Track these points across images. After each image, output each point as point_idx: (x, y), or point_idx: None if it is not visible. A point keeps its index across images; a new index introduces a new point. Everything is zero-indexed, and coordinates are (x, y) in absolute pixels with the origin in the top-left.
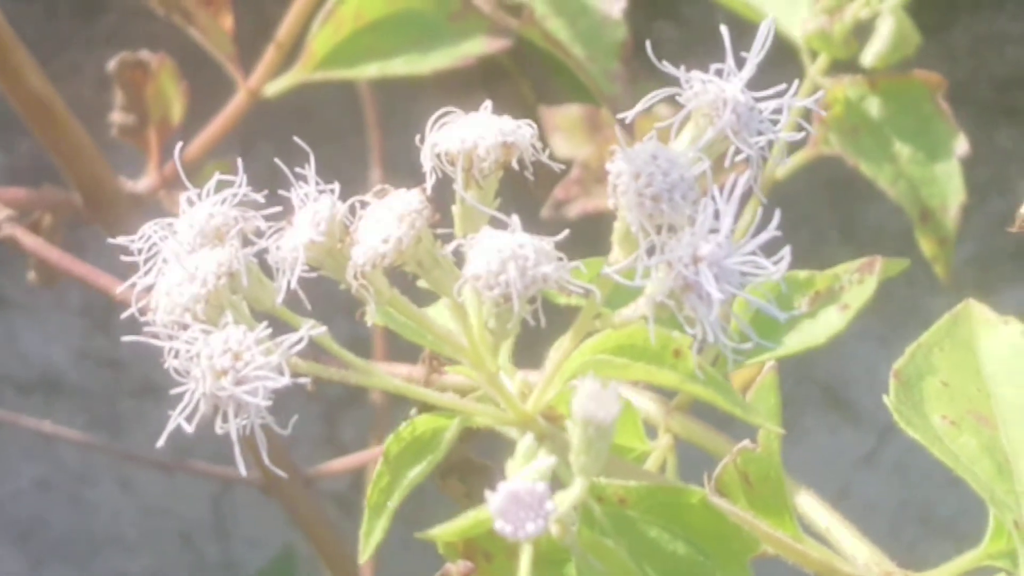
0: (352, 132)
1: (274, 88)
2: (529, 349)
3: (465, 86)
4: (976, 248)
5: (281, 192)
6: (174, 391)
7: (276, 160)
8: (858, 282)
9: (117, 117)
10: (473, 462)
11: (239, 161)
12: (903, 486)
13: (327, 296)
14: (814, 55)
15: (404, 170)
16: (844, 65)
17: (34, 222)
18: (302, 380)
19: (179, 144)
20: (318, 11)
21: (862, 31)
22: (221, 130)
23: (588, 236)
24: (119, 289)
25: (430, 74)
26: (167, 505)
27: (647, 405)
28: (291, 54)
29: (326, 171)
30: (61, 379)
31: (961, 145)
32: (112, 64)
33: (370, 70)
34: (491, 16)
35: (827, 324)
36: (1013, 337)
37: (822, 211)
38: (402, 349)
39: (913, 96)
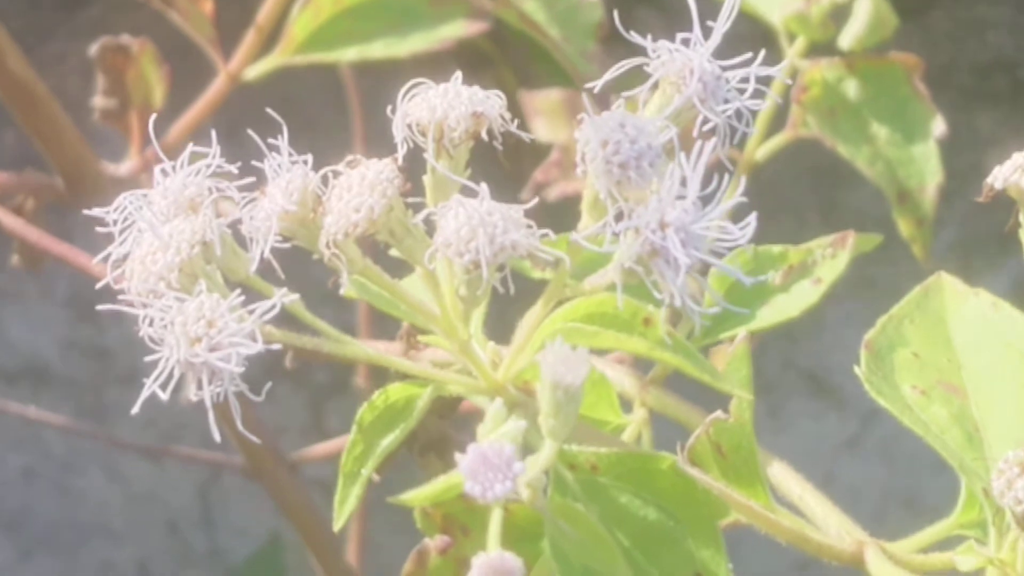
0: (335, 121)
1: (254, 72)
2: (501, 323)
3: (447, 74)
4: (957, 233)
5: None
6: (149, 358)
7: (250, 131)
8: (831, 256)
9: (98, 101)
10: (452, 439)
11: (212, 132)
12: (888, 471)
13: (311, 282)
14: (792, 38)
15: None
16: (822, 48)
17: (16, 206)
18: (275, 346)
19: (161, 127)
20: None
21: (840, 14)
22: (202, 114)
23: (559, 214)
24: (95, 260)
25: (412, 62)
26: (153, 494)
27: (622, 379)
28: (271, 39)
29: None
30: (47, 369)
31: (938, 126)
32: (94, 48)
33: (349, 54)
34: None
35: (800, 297)
36: (983, 308)
37: (804, 197)
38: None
39: (890, 78)
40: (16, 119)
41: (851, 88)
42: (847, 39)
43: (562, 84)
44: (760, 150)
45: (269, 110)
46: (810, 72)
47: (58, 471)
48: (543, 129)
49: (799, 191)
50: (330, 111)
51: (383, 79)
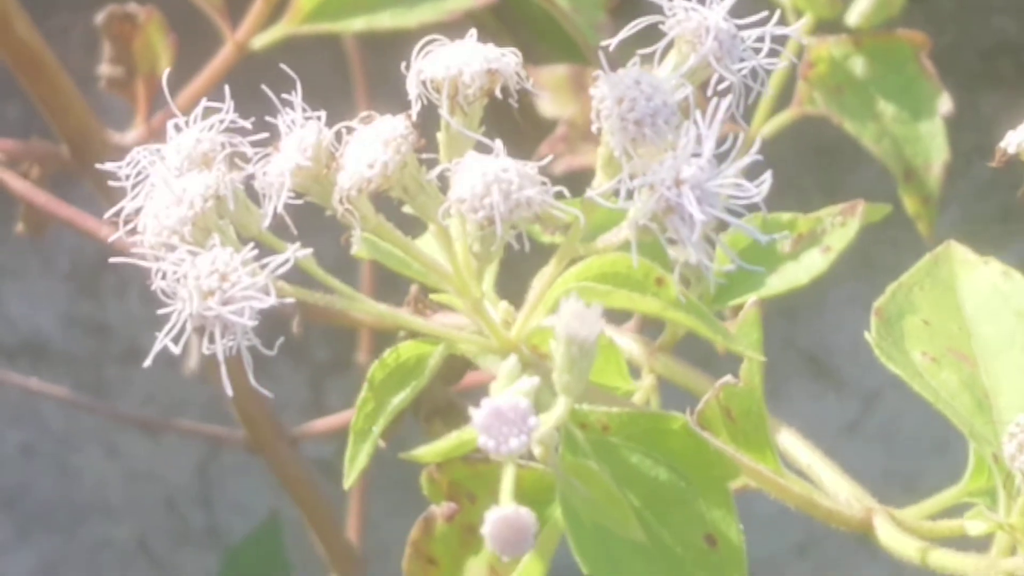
0: (339, 93)
1: (261, 41)
2: (513, 283)
3: None
4: (961, 213)
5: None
6: (161, 311)
7: (263, 87)
8: (840, 224)
9: (105, 69)
10: (458, 406)
11: (226, 88)
12: (887, 454)
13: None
14: (799, 14)
15: None
16: (829, 25)
17: (21, 174)
18: (287, 300)
19: (168, 95)
20: None
21: None
22: (208, 83)
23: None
24: (107, 215)
25: (417, 34)
26: (152, 471)
27: (631, 345)
28: (279, 7)
29: None
30: (47, 344)
31: (945, 104)
32: (100, 17)
33: (357, 24)
34: None
35: (810, 265)
36: (993, 276)
37: (808, 176)
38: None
39: (897, 55)
40: (22, 86)
41: (858, 65)
42: (854, 16)
43: (566, 61)
44: (766, 127)
45: (283, 66)
46: (817, 49)
47: (57, 448)
48: (548, 104)
49: (802, 171)
50: (333, 83)
51: (387, 51)
